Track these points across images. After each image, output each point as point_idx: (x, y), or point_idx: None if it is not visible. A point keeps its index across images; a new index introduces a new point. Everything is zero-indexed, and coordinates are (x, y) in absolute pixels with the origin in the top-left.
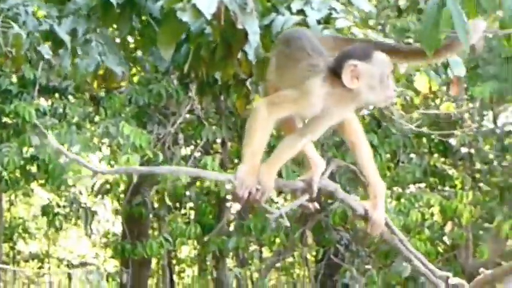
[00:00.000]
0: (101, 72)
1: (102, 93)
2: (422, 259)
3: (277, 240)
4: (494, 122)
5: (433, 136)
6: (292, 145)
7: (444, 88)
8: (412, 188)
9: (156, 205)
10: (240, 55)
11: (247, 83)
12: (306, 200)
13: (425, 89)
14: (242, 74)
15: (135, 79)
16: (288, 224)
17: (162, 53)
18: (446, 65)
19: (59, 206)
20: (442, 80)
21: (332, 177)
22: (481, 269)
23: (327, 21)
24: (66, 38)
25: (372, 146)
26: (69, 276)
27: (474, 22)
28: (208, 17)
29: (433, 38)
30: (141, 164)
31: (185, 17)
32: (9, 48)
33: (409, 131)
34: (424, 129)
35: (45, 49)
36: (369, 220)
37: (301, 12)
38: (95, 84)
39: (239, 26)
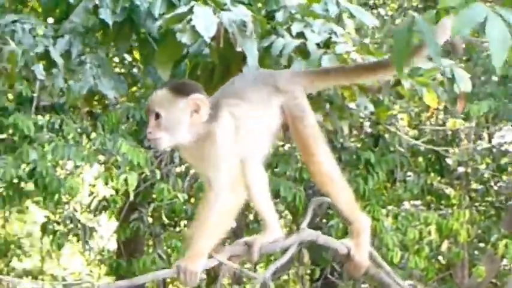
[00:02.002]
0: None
1: (99, 109)
2: None
3: (272, 257)
4: (490, 141)
5: (429, 155)
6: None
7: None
8: (408, 206)
9: (151, 222)
10: None
11: None
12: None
13: (435, 104)
14: None
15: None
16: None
17: (160, 72)
18: (452, 81)
19: (58, 223)
20: (448, 95)
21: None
22: None
23: (326, 45)
24: (60, 61)
25: (370, 164)
26: None
27: (441, 22)
28: (208, 40)
29: (403, 59)
30: (138, 182)
31: (184, 38)
32: (3, 64)
33: (409, 148)
34: (425, 146)
35: (39, 69)
36: (352, 261)
37: (301, 35)
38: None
39: (238, 49)
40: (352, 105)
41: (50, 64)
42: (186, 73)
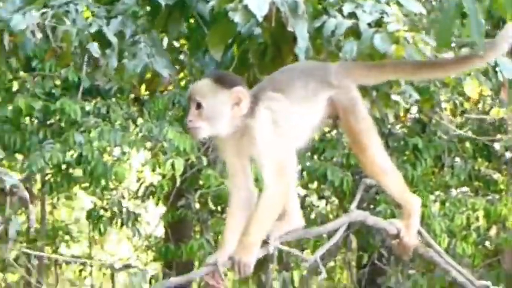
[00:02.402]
0: (148, 75)
1: (146, 96)
2: (460, 270)
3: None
4: None
5: (477, 141)
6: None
7: (490, 93)
8: (455, 192)
9: (199, 208)
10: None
11: None
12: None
13: (475, 94)
14: None
15: (182, 83)
16: (324, 273)
17: (212, 53)
18: (495, 69)
19: (105, 209)
20: (492, 84)
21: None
22: None
23: (378, 24)
24: (114, 40)
25: (417, 149)
26: (112, 279)
27: (506, 26)
28: (260, 19)
29: (446, 33)
30: (185, 168)
31: (236, 17)
32: (58, 43)
33: (455, 136)
34: (470, 134)
35: (94, 47)
36: (400, 241)
37: (352, 15)
38: (142, 87)
39: (289, 29)
40: (396, 96)
41: (104, 45)
42: (234, 60)
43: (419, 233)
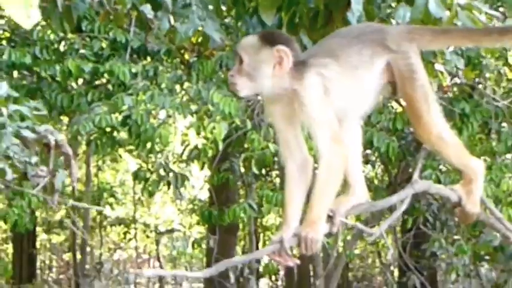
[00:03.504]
0: (194, 39)
1: (194, 58)
2: None
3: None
4: None
5: None
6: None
7: None
8: (500, 160)
9: (244, 172)
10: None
11: None
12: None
13: None
14: None
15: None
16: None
17: (264, 17)
18: None
19: (150, 171)
20: None
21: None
22: None
23: None
24: (167, 0)
25: (464, 114)
26: (156, 242)
27: None
28: None
29: None
30: (229, 132)
31: None
32: (112, 5)
33: (501, 106)
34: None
35: (147, 9)
36: (463, 209)
37: None
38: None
39: None
40: (438, 66)
41: (156, 7)
42: (282, 25)
43: (480, 199)
